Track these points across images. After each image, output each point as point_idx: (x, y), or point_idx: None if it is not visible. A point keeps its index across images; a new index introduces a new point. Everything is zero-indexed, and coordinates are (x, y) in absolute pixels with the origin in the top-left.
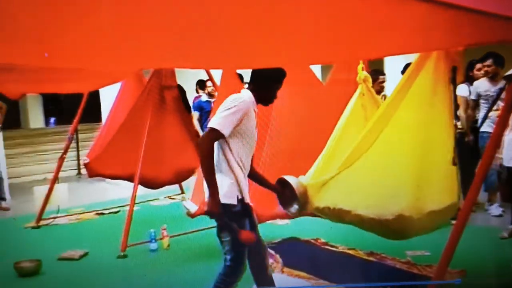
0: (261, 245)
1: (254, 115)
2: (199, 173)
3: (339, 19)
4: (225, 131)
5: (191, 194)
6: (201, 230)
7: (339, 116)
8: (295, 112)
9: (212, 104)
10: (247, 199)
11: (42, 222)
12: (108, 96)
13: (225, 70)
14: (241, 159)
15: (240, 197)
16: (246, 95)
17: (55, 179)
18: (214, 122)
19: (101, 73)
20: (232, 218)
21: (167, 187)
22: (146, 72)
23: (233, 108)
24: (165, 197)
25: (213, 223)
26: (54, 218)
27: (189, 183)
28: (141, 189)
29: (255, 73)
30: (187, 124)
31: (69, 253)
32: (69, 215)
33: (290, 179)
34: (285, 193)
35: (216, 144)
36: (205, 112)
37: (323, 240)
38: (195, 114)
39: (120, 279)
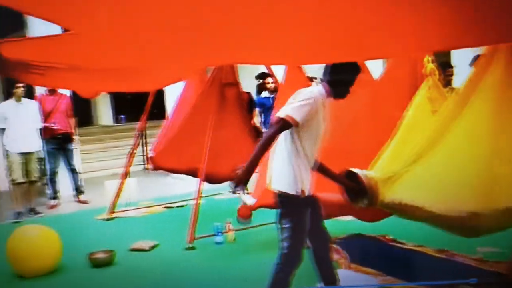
0: (326, 238)
1: (323, 109)
2: (260, 169)
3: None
4: (296, 122)
5: (253, 189)
6: (266, 224)
7: (392, 112)
8: (349, 108)
9: (273, 100)
10: (310, 191)
11: (114, 215)
12: (173, 94)
13: (289, 66)
14: (307, 151)
15: (302, 188)
16: (316, 89)
17: (126, 174)
18: (284, 112)
19: (167, 72)
20: (292, 208)
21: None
22: (208, 70)
23: (305, 100)
24: (229, 192)
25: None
26: (125, 210)
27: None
28: (206, 184)
29: (330, 68)
30: (247, 120)
31: (140, 244)
32: (138, 208)
33: (359, 171)
34: (352, 186)
35: (284, 134)
36: (266, 108)
37: (390, 237)
38: (257, 111)
39: (188, 270)
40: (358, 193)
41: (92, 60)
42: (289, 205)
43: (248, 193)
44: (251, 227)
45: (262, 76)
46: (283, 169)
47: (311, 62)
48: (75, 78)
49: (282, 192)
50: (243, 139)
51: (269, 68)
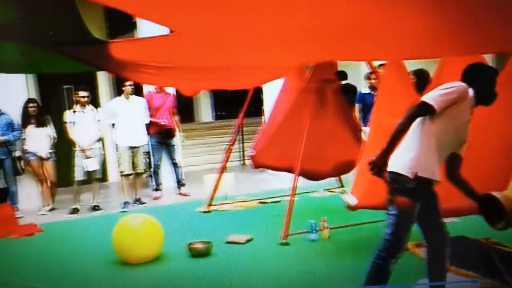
0: (442, 233)
1: (470, 111)
2: (360, 167)
3: None
4: (436, 107)
5: (351, 188)
6: (362, 224)
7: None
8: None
9: (373, 97)
10: (434, 184)
11: (212, 208)
12: (270, 91)
13: (389, 61)
14: (442, 144)
15: (427, 177)
16: (466, 86)
17: (223, 169)
18: (427, 97)
19: (265, 69)
20: (404, 194)
21: (326, 179)
22: (307, 67)
23: (451, 89)
24: (324, 190)
25: (374, 218)
26: (222, 204)
27: (349, 177)
28: (301, 181)
29: (471, 71)
30: (347, 117)
31: (236, 237)
32: (235, 202)
33: (497, 195)
34: (489, 207)
35: (419, 121)
36: (367, 104)
37: (494, 240)
38: (357, 107)
39: (282, 266)
40: (495, 215)
41: (195, 59)
42: (401, 190)
43: (349, 193)
44: (346, 226)
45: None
46: (408, 152)
47: (414, 57)
48: (179, 77)
49: (396, 173)
50: (343, 136)
51: (370, 64)
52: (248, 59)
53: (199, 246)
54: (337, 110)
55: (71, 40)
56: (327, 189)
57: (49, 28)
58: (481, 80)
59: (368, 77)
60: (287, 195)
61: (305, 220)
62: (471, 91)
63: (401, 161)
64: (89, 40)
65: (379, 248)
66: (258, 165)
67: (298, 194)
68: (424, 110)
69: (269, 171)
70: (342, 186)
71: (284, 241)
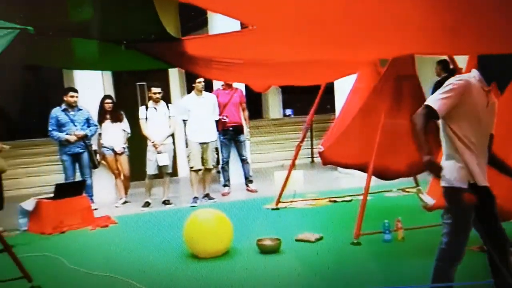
0: (502, 241)
1: (482, 95)
2: None
3: None
4: (439, 111)
5: (427, 188)
6: (439, 225)
7: None
8: None
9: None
10: (482, 183)
11: (280, 205)
12: (342, 87)
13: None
14: (469, 141)
15: (471, 181)
16: (468, 74)
17: (293, 166)
18: (430, 100)
19: (338, 65)
20: (454, 202)
21: (401, 179)
22: (382, 62)
23: (449, 90)
24: (398, 189)
25: None
26: (291, 201)
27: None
28: (373, 180)
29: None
30: None
31: (305, 235)
32: (304, 200)
33: None
34: None
35: (442, 127)
36: None
37: None
38: None
39: (353, 265)
40: None
41: (268, 55)
42: (452, 199)
43: (426, 193)
44: (422, 227)
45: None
46: (445, 162)
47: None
48: (249, 73)
49: (444, 186)
50: None
51: (451, 59)
52: (321, 54)
53: (268, 242)
54: (415, 108)
55: (148, 37)
56: (401, 189)
57: (126, 26)
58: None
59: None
60: (359, 194)
61: (378, 220)
62: (473, 76)
63: (444, 172)
64: (165, 38)
65: (436, 257)
66: (326, 162)
67: (372, 193)
68: (428, 113)
69: (340, 169)
70: (418, 186)
71: (355, 241)
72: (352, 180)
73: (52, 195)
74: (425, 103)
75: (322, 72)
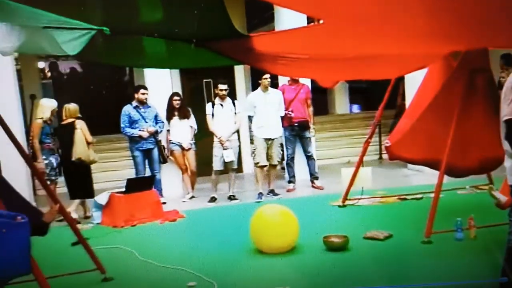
0: None
1: None
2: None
3: None
4: None
5: (501, 186)
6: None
7: None
8: None
9: None
10: None
11: (347, 202)
12: (412, 82)
13: None
14: None
15: None
16: None
17: (360, 162)
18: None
19: (408, 59)
20: None
21: (472, 176)
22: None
23: None
24: (470, 187)
25: None
26: (359, 199)
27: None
28: (445, 177)
29: None
30: (499, 110)
31: (374, 233)
32: (372, 197)
33: None
34: None
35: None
36: None
37: None
38: None
39: (423, 264)
40: None
41: (336, 50)
42: None
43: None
44: (496, 225)
45: None
46: (508, 161)
47: None
48: (317, 68)
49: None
50: (493, 131)
51: None
52: (392, 47)
53: (335, 240)
54: (488, 103)
55: (217, 35)
56: (474, 186)
57: (196, 24)
58: None
59: None
60: (430, 192)
61: (450, 218)
62: None
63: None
64: (234, 35)
65: (504, 257)
66: (393, 157)
67: (444, 191)
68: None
69: (410, 166)
70: (491, 183)
71: (426, 239)
72: (422, 177)
73: (123, 189)
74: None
75: (392, 67)
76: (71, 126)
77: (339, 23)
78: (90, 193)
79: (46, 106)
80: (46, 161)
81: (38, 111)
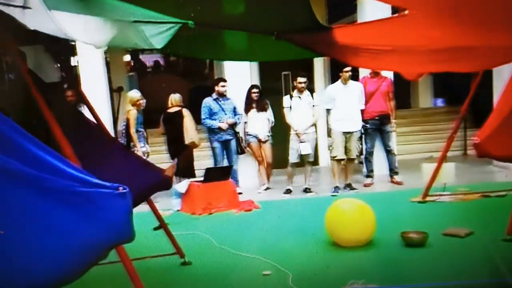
0: None
1: None
2: None
3: None
4: None
5: None
6: None
7: None
8: None
9: None
10: None
11: (428, 198)
12: (500, 74)
13: None
14: None
15: None
16: None
17: (443, 158)
18: None
19: (497, 52)
20: None
21: None
22: None
23: None
24: None
25: None
26: (440, 195)
27: None
28: None
29: None
30: None
31: (454, 230)
32: (454, 194)
33: None
34: None
35: None
36: None
37: None
38: None
39: (505, 262)
40: None
41: (421, 41)
42: None
43: None
44: None
45: None
46: None
47: None
48: (401, 61)
49: None
50: None
51: None
52: (479, 39)
53: (414, 235)
54: None
55: (300, 27)
56: None
57: (278, 17)
58: None
59: None
60: None
61: None
62: None
63: None
64: (316, 27)
65: None
66: (482, 154)
67: None
68: None
69: (496, 162)
70: None
71: (508, 237)
72: (508, 174)
73: (202, 178)
74: None
75: (479, 59)
76: (179, 114)
77: (425, 13)
78: (193, 173)
79: (135, 97)
80: (144, 148)
81: (127, 101)
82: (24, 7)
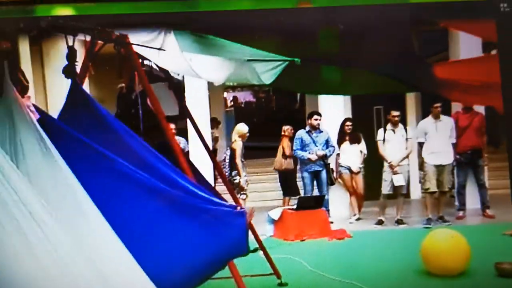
0: None
1: None
2: None
3: None
4: None
5: None
6: None
7: None
8: None
9: None
10: None
11: None
12: None
13: None
14: None
15: None
16: None
17: None
18: None
19: None
20: None
21: None
22: None
23: None
24: None
25: None
26: None
27: None
28: None
29: None
30: None
31: None
32: None
33: None
34: None
35: None
36: None
37: None
38: None
39: None
40: None
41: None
42: None
43: None
44: None
45: None
46: None
47: None
48: (494, 96)
49: None
50: None
51: None
52: None
53: (508, 266)
54: None
55: (405, 63)
56: None
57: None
58: None
59: None
60: None
61: None
62: None
63: None
64: (415, 62)
65: None
66: None
67: None
68: None
69: None
70: None
71: None
72: None
73: (295, 206)
74: None
75: None
76: None
77: None
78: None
79: (243, 130)
80: (246, 177)
81: (235, 133)
82: (159, 49)
